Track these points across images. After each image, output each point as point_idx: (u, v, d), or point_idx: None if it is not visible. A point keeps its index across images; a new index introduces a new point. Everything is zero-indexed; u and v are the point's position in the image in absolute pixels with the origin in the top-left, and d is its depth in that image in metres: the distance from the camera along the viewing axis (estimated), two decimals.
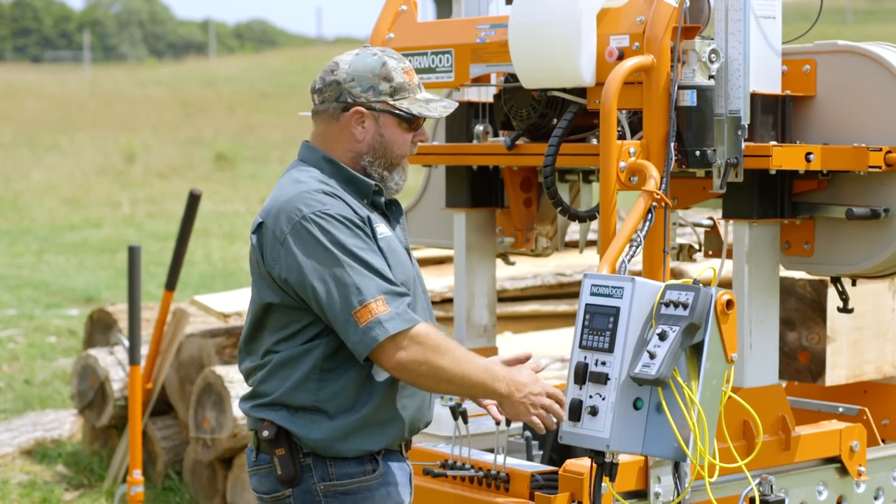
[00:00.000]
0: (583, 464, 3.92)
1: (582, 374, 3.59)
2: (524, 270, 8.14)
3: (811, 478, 4.42)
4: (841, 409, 4.81)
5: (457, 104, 3.68)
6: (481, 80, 4.63)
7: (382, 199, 3.60)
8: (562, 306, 8.17)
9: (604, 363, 3.57)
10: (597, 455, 3.62)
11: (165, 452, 7.38)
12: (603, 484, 3.64)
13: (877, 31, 27.92)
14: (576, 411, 3.59)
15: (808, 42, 4.45)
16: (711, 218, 4.78)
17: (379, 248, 3.48)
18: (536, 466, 4.18)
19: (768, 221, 4.33)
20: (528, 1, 4.28)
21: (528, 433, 4.61)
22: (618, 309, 3.58)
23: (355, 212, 3.48)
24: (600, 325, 3.60)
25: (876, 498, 4.58)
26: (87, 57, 49.21)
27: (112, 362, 7.53)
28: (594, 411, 3.56)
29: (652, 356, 3.50)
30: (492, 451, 4.22)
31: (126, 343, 6.97)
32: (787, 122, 4.32)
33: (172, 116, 30.96)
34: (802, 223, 4.41)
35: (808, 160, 4.18)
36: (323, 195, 3.47)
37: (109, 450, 7.76)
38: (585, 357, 3.61)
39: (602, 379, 3.55)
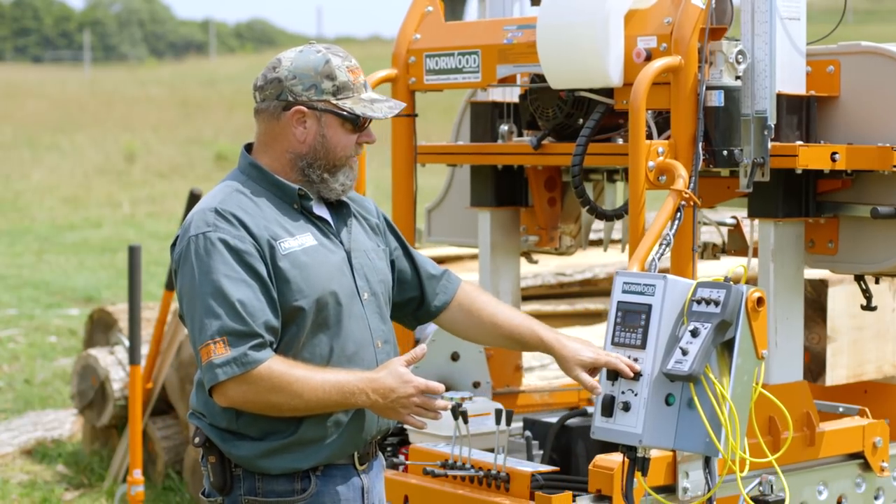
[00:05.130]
0: (612, 459, 3.97)
1: (615, 371, 3.64)
2: (524, 270, 8.11)
3: (834, 473, 4.47)
4: (841, 409, 4.80)
5: (403, 105, 3.54)
6: (508, 81, 4.68)
7: (311, 204, 3.47)
8: (562, 306, 8.14)
9: (636, 359, 3.62)
10: (629, 450, 3.67)
11: (166, 452, 7.33)
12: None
13: (877, 31, 27.98)
14: (608, 407, 3.64)
15: (832, 43, 4.50)
16: (735, 217, 4.83)
17: (275, 268, 3.34)
18: (536, 466, 4.19)
19: (793, 220, 4.38)
20: (556, 2, 4.34)
21: (528, 433, 4.63)
22: (650, 306, 3.63)
23: (250, 232, 3.34)
24: (633, 322, 3.65)
25: (876, 498, 4.59)
26: (87, 57, 49.31)
27: (112, 362, 7.48)
28: (627, 407, 3.61)
29: (684, 353, 3.55)
30: (492, 451, 4.22)
31: (126, 343, 6.90)
32: (811, 122, 4.37)
33: (172, 116, 30.98)
34: (826, 222, 4.45)
35: (833, 160, 4.23)
36: (215, 215, 3.35)
37: (109, 450, 7.72)
38: (618, 353, 3.65)
39: (635, 375, 3.60)
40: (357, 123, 3.44)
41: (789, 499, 3.94)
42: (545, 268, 8.20)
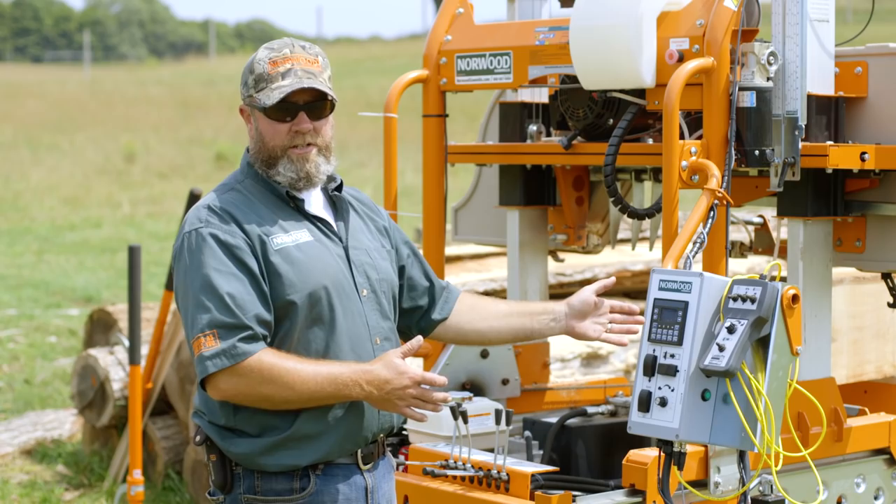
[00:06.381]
0: (646, 454, 4.03)
1: (651, 367, 3.69)
2: None
3: (859, 469, 4.53)
4: None
5: (298, 86, 3.40)
6: (539, 82, 4.74)
7: (303, 202, 3.50)
8: None
9: (672, 356, 3.67)
10: (665, 444, 3.72)
11: (165, 452, 7.35)
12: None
13: (877, 31, 28.00)
14: (645, 402, 3.69)
15: (859, 45, 4.57)
16: (761, 216, 4.89)
17: (267, 263, 3.37)
18: (536, 466, 4.21)
19: (822, 219, 4.44)
20: (589, 4, 4.40)
21: (528, 433, 4.65)
22: (686, 303, 3.68)
23: (241, 227, 3.39)
24: (669, 318, 3.70)
25: (876, 498, 4.61)
26: (87, 57, 49.26)
27: (112, 362, 7.49)
28: (663, 402, 3.66)
29: (721, 349, 3.61)
30: (492, 451, 4.23)
31: (126, 343, 6.90)
32: (840, 122, 4.43)
33: (172, 116, 30.94)
34: (854, 221, 4.51)
35: (862, 159, 4.30)
36: (208, 211, 3.41)
37: (109, 450, 7.72)
38: (654, 350, 3.70)
39: (671, 371, 3.65)
40: (280, 113, 3.42)
41: (820, 494, 4.00)
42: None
